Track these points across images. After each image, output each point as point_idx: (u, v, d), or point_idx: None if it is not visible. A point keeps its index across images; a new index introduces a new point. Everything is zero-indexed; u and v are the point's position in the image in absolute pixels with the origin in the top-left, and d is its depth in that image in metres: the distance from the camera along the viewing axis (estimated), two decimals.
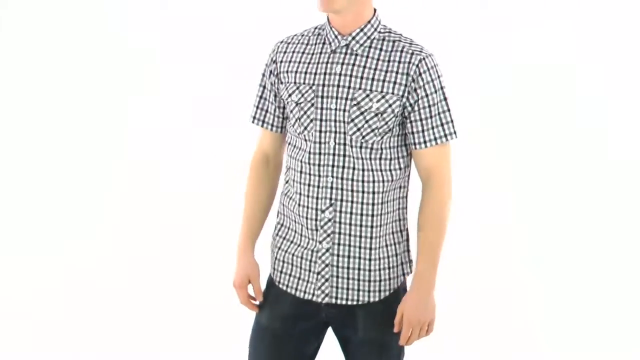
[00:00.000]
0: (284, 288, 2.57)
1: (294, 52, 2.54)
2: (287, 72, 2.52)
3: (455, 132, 2.45)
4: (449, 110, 2.45)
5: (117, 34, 4.41)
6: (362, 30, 2.44)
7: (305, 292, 2.53)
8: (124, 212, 4.43)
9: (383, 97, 2.41)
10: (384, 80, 2.41)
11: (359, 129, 2.42)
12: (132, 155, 4.44)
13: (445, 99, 2.44)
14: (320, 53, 2.48)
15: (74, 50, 4.41)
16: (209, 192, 4.41)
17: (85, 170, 4.43)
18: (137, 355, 4.25)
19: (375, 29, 2.46)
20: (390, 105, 2.41)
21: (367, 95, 2.41)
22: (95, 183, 4.43)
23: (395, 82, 2.41)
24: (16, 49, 4.40)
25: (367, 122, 2.42)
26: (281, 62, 2.55)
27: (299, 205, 2.51)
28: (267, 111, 2.64)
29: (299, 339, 2.57)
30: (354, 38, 2.44)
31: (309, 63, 2.49)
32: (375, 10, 2.48)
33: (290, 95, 2.51)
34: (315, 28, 2.55)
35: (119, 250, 4.40)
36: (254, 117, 2.64)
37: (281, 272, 2.58)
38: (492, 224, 4.39)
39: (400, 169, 2.46)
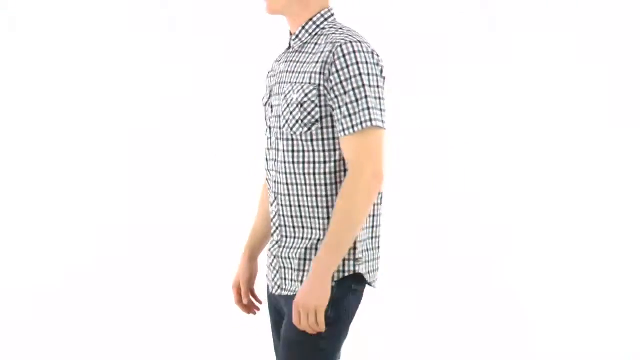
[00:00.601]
0: (266, 281, 2.61)
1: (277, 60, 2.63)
2: (267, 78, 2.63)
3: (370, 121, 2.32)
4: (365, 97, 2.33)
5: (116, 34, 4.41)
6: (303, 27, 2.47)
7: (268, 283, 2.56)
8: (124, 213, 4.43)
9: (301, 87, 2.40)
10: (304, 72, 2.41)
11: (287, 121, 2.42)
12: (132, 155, 4.44)
13: (362, 85, 2.34)
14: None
15: (73, 50, 4.42)
16: (209, 194, 4.42)
17: (84, 170, 4.44)
18: (138, 356, 4.25)
19: (318, 26, 2.47)
20: (306, 95, 2.39)
21: (292, 88, 2.42)
22: (94, 183, 4.44)
23: (312, 72, 2.39)
24: (16, 49, 4.40)
25: (291, 113, 2.41)
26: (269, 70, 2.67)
27: (268, 200, 2.58)
28: None
29: None
30: (297, 36, 2.48)
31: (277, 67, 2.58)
32: (327, 8, 2.49)
33: (262, 99, 2.60)
34: None
35: (118, 250, 4.41)
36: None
37: (267, 266, 2.63)
38: (490, 224, 4.40)
39: (335, 161, 2.41)
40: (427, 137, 4.40)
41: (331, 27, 2.45)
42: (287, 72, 2.46)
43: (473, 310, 4.32)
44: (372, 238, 2.48)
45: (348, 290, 2.44)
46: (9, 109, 4.42)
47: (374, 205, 2.46)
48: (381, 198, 2.49)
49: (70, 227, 4.42)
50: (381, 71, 2.39)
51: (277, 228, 2.50)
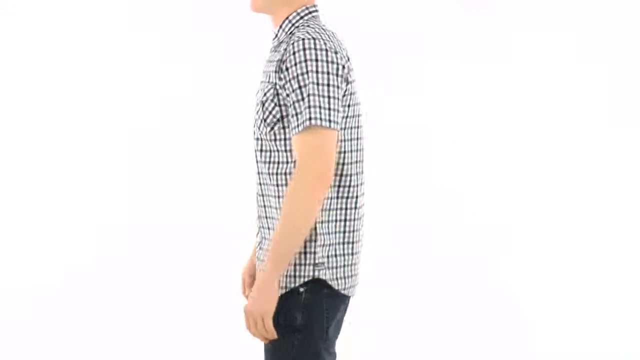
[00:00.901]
0: None
1: None
2: None
3: (310, 119, 2.23)
4: (309, 95, 2.24)
5: (116, 34, 4.41)
6: (280, 27, 2.41)
7: None
8: (124, 213, 4.43)
9: (263, 87, 2.35)
10: (267, 71, 2.36)
11: (255, 121, 2.38)
12: (132, 155, 4.45)
13: (308, 84, 2.25)
14: None
15: (73, 50, 4.42)
16: (209, 194, 4.42)
17: (85, 170, 4.44)
18: (138, 356, 4.25)
19: (294, 24, 2.39)
20: (265, 94, 2.33)
21: (259, 87, 2.38)
22: (94, 183, 4.44)
23: (271, 71, 2.34)
24: (16, 49, 4.40)
25: (257, 113, 2.36)
26: None
27: None
28: None
29: None
30: (276, 35, 2.42)
31: None
32: (305, 6, 2.41)
33: None
34: None
35: (118, 251, 4.41)
36: None
37: None
38: (488, 224, 4.40)
39: (294, 162, 2.32)
40: (428, 138, 4.40)
41: (303, 25, 2.38)
42: (262, 72, 2.41)
43: (469, 311, 4.32)
44: (344, 243, 2.39)
45: (320, 295, 2.36)
46: (9, 109, 4.42)
47: (347, 209, 2.38)
48: (355, 202, 2.39)
49: (70, 227, 4.42)
50: (337, 69, 2.28)
51: (259, 229, 2.44)
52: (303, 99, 2.25)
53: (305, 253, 2.34)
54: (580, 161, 4.36)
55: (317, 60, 2.26)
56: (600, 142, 4.35)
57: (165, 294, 4.37)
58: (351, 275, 2.42)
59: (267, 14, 2.44)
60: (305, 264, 2.34)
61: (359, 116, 2.41)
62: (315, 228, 2.33)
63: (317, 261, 2.34)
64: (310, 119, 2.24)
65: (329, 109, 2.26)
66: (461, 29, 4.36)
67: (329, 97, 2.26)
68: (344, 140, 2.36)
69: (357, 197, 2.40)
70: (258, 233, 2.45)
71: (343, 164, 2.37)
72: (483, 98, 4.38)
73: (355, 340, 3.98)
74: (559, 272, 4.35)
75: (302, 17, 2.40)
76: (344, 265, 2.39)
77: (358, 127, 2.41)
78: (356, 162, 2.40)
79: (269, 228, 2.40)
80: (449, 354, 4.22)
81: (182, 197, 4.42)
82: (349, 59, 2.37)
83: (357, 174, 2.40)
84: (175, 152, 4.42)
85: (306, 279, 2.34)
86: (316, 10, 2.44)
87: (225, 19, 4.39)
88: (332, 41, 2.33)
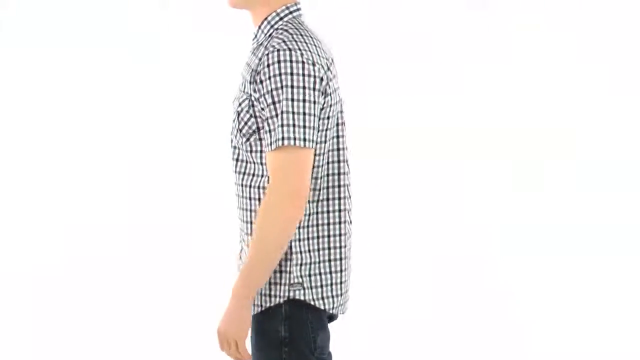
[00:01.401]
0: None
1: None
2: None
3: (283, 139, 2.11)
4: (282, 113, 2.12)
5: (116, 33, 4.42)
6: (259, 27, 2.27)
7: None
8: (124, 213, 4.44)
9: (239, 96, 2.23)
10: (244, 78, 2.23)
11: (231, 130, 2.26)
12: (132, 155, 4.45)
13: (282, 100, 2.12)
14: None
15: (72, 50, 4.42)
16: (209, 194, 4.42)
17: (84, 170, 4.45)
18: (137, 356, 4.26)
19: (272, 26, 2.25)
20: (240, 104, 2.21)
21: (236, 95, 2.26)
22: (93, 183, 4.44)
23: (246, 80, 2.21)
24: (16, 48, 4.41)
25: (233, 121, 2.24)
26: None
27: None
28: None
29: None
30: (255, 36, 2.29)
31: None
32: (285, 5, 2.26)
33: None
34: None
35: (117, 251, 4.42)
36: None
37: None
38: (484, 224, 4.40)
39: (268, 177, 2.20)
40: (426, 137, 4.40)
41: (282, 28, 2.24)
42: (241, 74, 2.28)
43: (468, 312, 4.31)
44: (329, 261, 2.27)
45: (302, 308, 2.26)
46: (8, 109, 4.43)
47: (330, 224, 2.26)
48: (339, 216, 2.27)
49: (70, 227, 4.43)
50: (314, 83, 2.15)
51: (240, 241, 2.35)
52: (277, 115, 2.13)
53: (280, 272, 2.23)
54: (580, 161, 4.36)
55: (292, 74, 2.13)
56: (600, 142, 4.35)
57: (163, 294, 4.37)
58: (340, 294, 2.31)
59: (246, 10, 2.31)
60: (280, 284, 2.24)
61: (339, 125, 2.29)
62: (291, 246, 2.23)
63: (292, 281, 2.24)
64: (283, 138, 2.12)
65: (304, 126, 2.14)
66: (460, 29, 4.36)
67: (304, 113, 2.14)
68: (321, 154, 2.23)
69: (340, 210, 2.28)
70: (239, 243, 2.36)
71: (320, 177, 2.25)
72: (482, 98, 4.38)
73: (354, 340, 3.99)
74: (558, 272, 4.35)
75: (281, 18, 2.26)
76: (331, 284, 2.29)
77: (339, 137, 2.28)
78: (337, 174, 2.28)
79: (245, 241, 2.30)
80: (448, 355, 4.23)
81: (181, 197, 4.42)
82: (329, 67, 2.24)
83: (338, 186, 2.28)
84: (175, 153, 4.43)
85: (281, 299, 2.24)
86: (298, 10, 2.30)
87: (225, 18, 4.39)
88: (310, 50, 2.19)
